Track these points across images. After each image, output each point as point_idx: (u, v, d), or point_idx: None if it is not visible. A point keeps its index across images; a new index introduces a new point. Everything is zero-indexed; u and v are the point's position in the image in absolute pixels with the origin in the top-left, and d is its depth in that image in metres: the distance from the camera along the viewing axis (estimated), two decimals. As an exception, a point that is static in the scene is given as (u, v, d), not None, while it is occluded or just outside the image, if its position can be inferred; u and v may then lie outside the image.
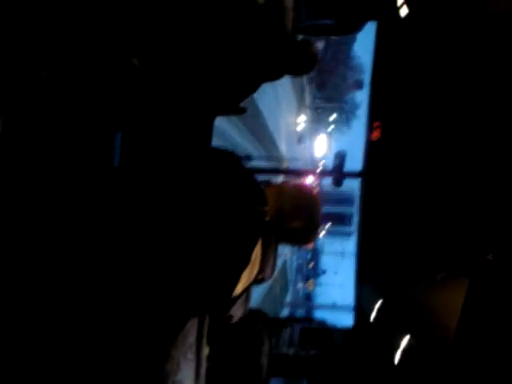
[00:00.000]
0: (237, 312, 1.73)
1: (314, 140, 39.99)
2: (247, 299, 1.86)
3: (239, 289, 1.62)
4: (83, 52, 2.04)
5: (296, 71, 3.35)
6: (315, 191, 1.95)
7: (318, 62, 3.59)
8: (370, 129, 6.49)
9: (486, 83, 3.58)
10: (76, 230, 1.53)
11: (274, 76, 3.25)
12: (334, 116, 38.29)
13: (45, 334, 1.44)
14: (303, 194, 1.90)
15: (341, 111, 38.09)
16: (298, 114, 34.16)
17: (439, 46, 4.38)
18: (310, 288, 36.30)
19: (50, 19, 1.86)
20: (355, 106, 35.29)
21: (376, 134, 6.34)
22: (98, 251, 1.52)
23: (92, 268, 1.50)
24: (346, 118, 37.94)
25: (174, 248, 1.53)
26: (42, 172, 1.78)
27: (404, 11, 4.90)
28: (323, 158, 39.29)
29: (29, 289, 1.46)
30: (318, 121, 40.13)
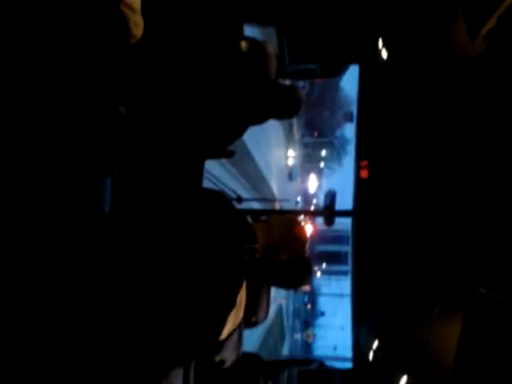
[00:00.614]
0: (229, 356, 1.71)
1: (305, 177, 39.95)
2: (239, 343, 1.84)
3: (225, 332, 1.60)
4: (71, 100, 2.07)
5: (281, 115, 3.42)
6: (302, 223, 1.96)
7: (302, 104, 3.67)
8: (358, 167, 6.57)
9: (461, 122, 3.71)
10: (65, 277, 1.53)
11: (260, 120, 3.31)
12: (324, 152, 37.94)
13: None
14: (290, 225, 1.91)
15: (331, 147, 37.57)
16: (287, 150, 33.81)
17: (417, 88, 4.54)
18: (310, 340, 34.48)
19: (37, 69, 1.90)
20: (346, 142, 34.28)
21: (364, 173, 6.42)
22: (87, 298, 1.51)
23: (79, 314, 1.49)
24: (336, 154, 37.29)
25: (161, 295, 1.53)
26: (31, 218, 1.78)
27: (384, 54, 5.08)
28: (315, 195, 39.17)
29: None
30: (308, 158, 39.57)
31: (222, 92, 2.85)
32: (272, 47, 3.15)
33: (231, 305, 1.60)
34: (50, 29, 1.86)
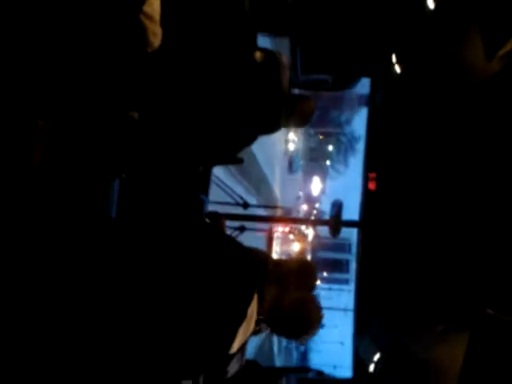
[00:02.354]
0: (232, 368, 1.70)
1: (308, 175, 38.30)
2: (243, 354, 1.84)
3: (236, 346, 1.60)
4: (85, 103, 2.09)
5: (293, 125, 3.43)
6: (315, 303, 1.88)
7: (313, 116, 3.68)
8: (366, 179, 6.57)
9: (472, 138, 3.72)
10: (68, 281, 1.53)
11: (271, 130, 3.32)
12: (331, 147, 34.17)
13: None
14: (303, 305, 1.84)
15: (339, 143, 33.82)
16: (287, 134, 28.43)
17: (429, 103, 4.55)
18: (304, 342, 33.10)
19: (51, 71, 1.91)
20: (355, 139, 30.59)
21: (372, 185, 6.41)
22: (92, 304, 1.51)
23: (85, 321, 1.49)
24: (344, 152, 33.58)
25: (169, 306, 1.53)
26: (39, 221, 1.78)
27: (397, 69, 5.11)
28: (318, 199, 38.02)
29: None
30: (313, 154, 35.85)
31: (234, 101, 2.86)
32: (286, 58, 3.17)
33: (242, 317, 1.60)
34: (72, 34, 1.88)
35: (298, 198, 34.77)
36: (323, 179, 37.16)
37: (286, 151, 29.13)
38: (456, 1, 3.78)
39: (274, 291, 1.76)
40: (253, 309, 1.64)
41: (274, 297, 1.73)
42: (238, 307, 1.60)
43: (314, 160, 36.25)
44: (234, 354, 1.61)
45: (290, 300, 1.76)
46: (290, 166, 31.19)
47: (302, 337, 1.85)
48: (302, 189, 36.54)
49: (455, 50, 3.96)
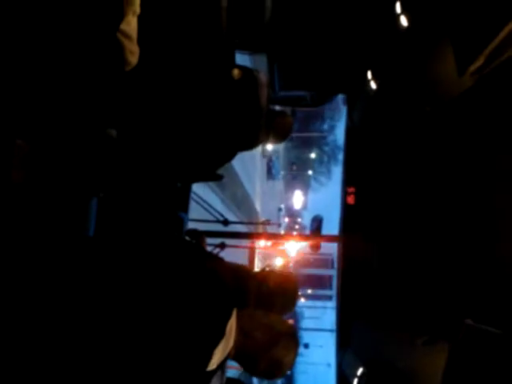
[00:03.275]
0: None
1: (290, 186, 37.16)
2: (223, 371, 1.82)
3: (215, 363, 1.59)
4: (62, 122, 2.08)
5: (271, 141, 3.46)
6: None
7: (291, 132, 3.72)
8: (345, 193, 6.64)
9: (443, 153, 3.81)
10: (45, 302, 1.51)
11: (251, 146, 3.35)
12: (313, 155, 32.72)
13: None
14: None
15: (321, 153, 32.49)
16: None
17: (403, 121, 4.65)
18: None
19: (28, 91, 1.91)
20: (338, 148, 28.11)
21: (351, 199, 6.48)
22: (68, 323, 1.49)
23: (60, 340, 1.47)
24: (326, 162, 32.39)
25: (146, 324, 1.52)
26: (16, 240, 1.76)
27: (373, 86, 5.21)
28: (299, 214, 37.18)
29: None
30: (295, 162, 34.33)
31: (213, 118, 2.88)
32: (263, 75, 3.21)
33: (221, 334, 1.59)
34: (49, 53, 1.88)
35: (280, 209, 33.73)
36: (305, 192, 36.38)
37: (264, 152, 24.54)
38: (428, 18, 3.89)
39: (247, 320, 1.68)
40: (232, 325, 1.64)
41: (242, 329, 1.66)
42: (216, 324, 1.60)
43: (295, 170, 34.84)
44: (213, 371, 1.60)
45: (260, 336, 1.67)
46: (269, 171, 27.61)
47: (271, 379, 1.77)
48: (284, 201, 35.75)
49: (428, 66, 4.06)
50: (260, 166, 25.73)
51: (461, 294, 3.41)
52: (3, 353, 1.42)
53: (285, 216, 35.58)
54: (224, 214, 6.87)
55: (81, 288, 1.57)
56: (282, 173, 34.78)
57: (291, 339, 1.71)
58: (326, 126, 30.11)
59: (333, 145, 30.21)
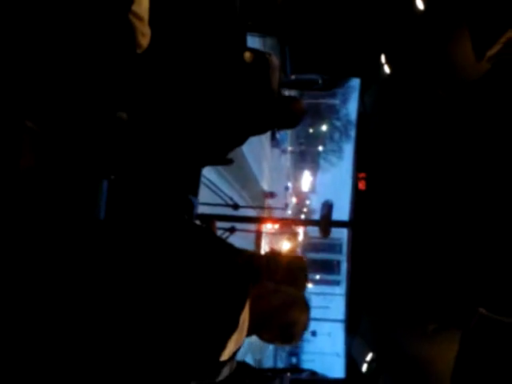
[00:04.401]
0: (223, 373, 1.68)
1: (298, 174, 36.01)
2: (233, 359, 1.82)
3: (227, 353, 1.58)
4: (73, 104, 2.07)
5: (282, 126, 3.43)
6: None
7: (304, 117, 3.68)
8: (356, 179, 6.60)
9: (459, 137, 3.75)
10: (56, 285, 1.50)
11: (261, 130, 3.32)
12: (324, 127, 30.49)
13: None
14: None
15: (333, 128, 30.42)
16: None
17: (418, 105, 4.59)
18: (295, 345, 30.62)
19: (39, 72, 1.89)
20: (350, 124, 25.66)
21: (362, 185, 6.44)
22: (80, 308, 1.48)
23: (71, 326, 1.47)
24: (338, 139, 30.39)
25: (158, 311, 1.50)
26: (27, 223, 1.76)
27: (386, 70, 5.14)
28: (307, 196, 35.99)
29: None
30: (305, 141, 32.32)
31: (224, 101, 2.85)
32: (275, 58, 3.16)
33: (234, 326, 1.57)
34: (60, 34, 1.86)
35: (287, 188, 32.08)
36: (314, 172, 34.30)
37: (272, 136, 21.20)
38: (445, 1, 3.81)
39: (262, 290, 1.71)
40: (245, 316, 1.62)
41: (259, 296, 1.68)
42: (229, 315, 1.58)
43: (304, 145, 33.03)
44: (225, 362, 1.59)
45: (275, 301, 1.70)
46: (273, 137, 22.19)
47: (286, 343, 1.79)
48: (291, 179, 34.19)
49: (445, 51, 3.98)
50: (268, 147, 23.30)
51: (473, 282, 3.39)
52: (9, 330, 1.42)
53: (292, 195, 34.73)
54: (227, 193, 6.83)
55: (92, 271, 1.56)
56: (290, 148, 33.09)
57: (303, 303, 1.73)
58: (337, 101, 28.86)
59: (345, 120, 28.13)
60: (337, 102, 28.36)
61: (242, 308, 1.60)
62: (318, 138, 31.76)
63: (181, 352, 1.50)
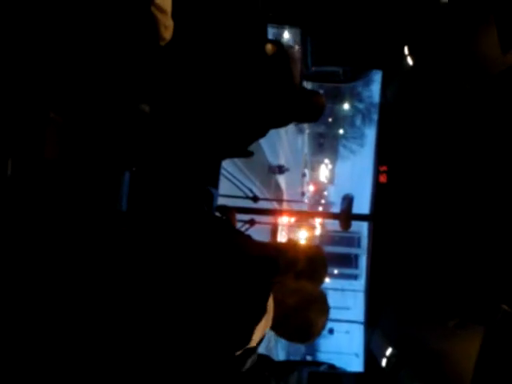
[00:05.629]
0: (248, 363, 1.69)
1: (316, 163, 34.13)
2: (256, 351, 1.82)
3: (255, 340, 1.58)
4: (95, 96, 2.08)
5: (303, 119, 3.40)
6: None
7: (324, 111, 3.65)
8: (377, 172, 6.54)
9: (483, 132, 3.68)
10: (79, 277, 1.52)
11: (282, 123, 3.30)
12: (346, 106, 28.09)
13: None
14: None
15: (354, 111, 28.56)
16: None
17: (442, 97, 4.51)
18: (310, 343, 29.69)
19: (63, 64, 1.91)
20: (374, 107, 23.73)
21: (383, 178, 6.39)
22: (101, 301, 1.50)
23: (92, 317, 1.48)
24: (360, 123, 28.41)
25: (183, 301, 1.51)
26: (51, 214, 1.78)
27: (409, 62, 5.06)
28: (325, 188, 35.00)
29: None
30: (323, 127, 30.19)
31: (246, 94, 2.84)
32: (297, 51, 3.13)
33: (262, 311, 1.58)
34: (84, 27, 1.87)
35: (304, 175, 31.14)
36: (333, 160, 32.86)
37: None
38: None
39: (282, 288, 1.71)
40: (270, 305, 1.63)
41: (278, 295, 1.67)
42: (257, 301, 1.59)
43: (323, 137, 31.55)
44: (252, 351, 1.60)
45: (295, 300, 1.69)
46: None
47: (303, 342, 1.78)
48: (308, 166, 33.04)
49: (470, 43, 3.91)
50: (285, 137, 23.12)
51: (496, 278, 3.34)
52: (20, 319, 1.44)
53: (309, 183, 33.95)
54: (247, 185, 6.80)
55: (115, 262, 1.57)
56: (308, 131, 31.00)
57: (323, 303, 1.73)
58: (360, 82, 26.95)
59: (367, 102, 26.45)
60: (359, 83, 26.69)
61: (268, 296, 1.61)
62: (338, 120, 29.56)
63: (212, 338, 1.51)
